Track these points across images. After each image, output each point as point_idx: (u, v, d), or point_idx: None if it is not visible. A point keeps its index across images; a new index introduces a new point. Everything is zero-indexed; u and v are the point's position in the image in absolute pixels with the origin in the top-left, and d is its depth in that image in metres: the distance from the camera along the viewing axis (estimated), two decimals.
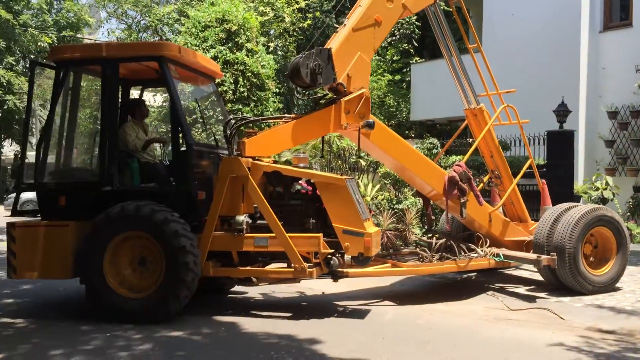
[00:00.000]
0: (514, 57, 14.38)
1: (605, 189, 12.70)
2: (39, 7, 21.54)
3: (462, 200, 7.46)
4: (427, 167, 7.51)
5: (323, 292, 7.63)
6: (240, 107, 14.93)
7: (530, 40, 14.74)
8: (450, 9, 8.54)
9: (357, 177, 14.10)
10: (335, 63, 6.61)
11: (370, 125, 6.68)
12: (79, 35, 20.14)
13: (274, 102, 16.20)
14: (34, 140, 26.40)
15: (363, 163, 14.43)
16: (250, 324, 6.04)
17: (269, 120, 7.05)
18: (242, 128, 7.26)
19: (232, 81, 14.73)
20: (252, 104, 15.32)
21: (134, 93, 7.95)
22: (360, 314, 6.54)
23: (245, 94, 15.09)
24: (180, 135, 6.32)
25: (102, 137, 6.30)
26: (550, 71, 14.24)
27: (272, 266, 6.81)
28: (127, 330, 5.74)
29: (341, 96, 6.70)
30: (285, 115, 7.05)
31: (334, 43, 6.82)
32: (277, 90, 16.76)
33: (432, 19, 8.07)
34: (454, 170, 7.48)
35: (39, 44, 21.12)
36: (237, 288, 7.72)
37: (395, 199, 12.67)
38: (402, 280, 8.46)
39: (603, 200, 12.40)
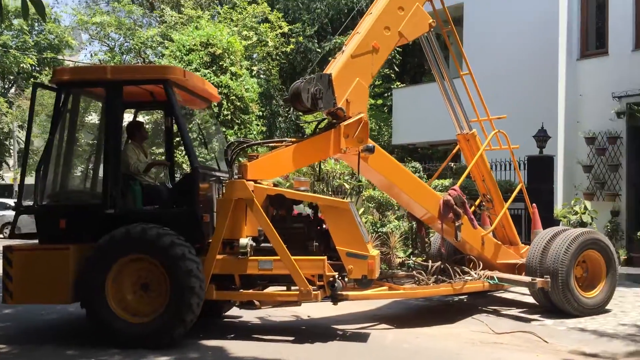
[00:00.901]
0: (493, 83, 14.67)
1: (584, 213, 12.97)
2: (19, 28, 21.31)
3: (456, 224, 7.58)
4: (423, 190, 7.63)
5: (309, 316, 7.63)
6: (223, 129, 14.97)
7: (510, 67, 15.09)
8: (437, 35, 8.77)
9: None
10: (334, 88, 6.73)
11: (371, 150, 6.79)
12: (59, 57, 20.00)
13: (257, 125, 16.30)
14: (10, 161, 25.81)
15: (347, 186, 14.52)
16: (239, 348, 6.01)
17: (269, 144, 7.12)
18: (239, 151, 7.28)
19: (216, 104, 14.79)
20: (235, 127, 15.39)
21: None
22: (357, 337, 6.57)
23: (229, 117, 15.17)
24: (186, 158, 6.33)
25: (105, 159, 6.28)
26: (529, 97, 14.56)
27: (270, 289, 6.81)
28: (114, 355, 5.69)
29: (341, 121, 6.80)
30: (286, 139, 7.12)
31: (333, 69, 6.94)
32: (261, 113, 16.87)
33: (425, 45, 8.27)
34: (449, 194, 7.61)
35: (21, 65, 20.84)
36: (232, 312, 7.67)
37: (379, 222, 12.77)
38: (389, 304, 8.52)
39: (582, 224, 12.66)
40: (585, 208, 13.00)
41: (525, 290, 8.28)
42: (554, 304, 7.57)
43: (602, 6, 14.61)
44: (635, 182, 13.47)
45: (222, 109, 14.88)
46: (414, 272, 7.75)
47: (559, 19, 14.51)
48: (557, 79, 14.45)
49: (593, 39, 14.83)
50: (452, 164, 14.84)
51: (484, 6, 16.10)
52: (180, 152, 13.38)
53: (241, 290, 6.42)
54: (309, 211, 7.14)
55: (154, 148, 14.79)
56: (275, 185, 7.21)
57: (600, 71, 14.15)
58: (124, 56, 18.39)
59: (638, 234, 13.06)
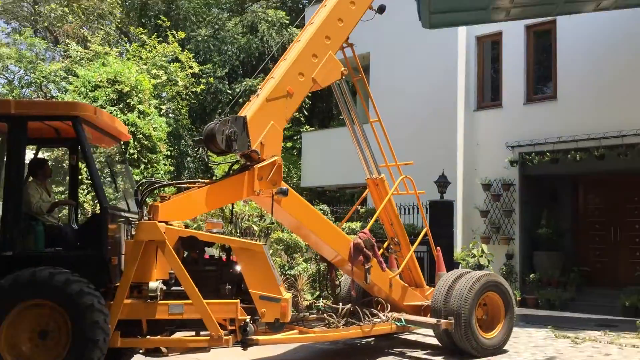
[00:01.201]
0: (398, 130, 15.24)
1: (482, 256, 13.69)
2: None
3: (366, 266, 7.76)
4: (334, 233, 7.75)
5: None
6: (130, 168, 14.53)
7: (413, 116, 15.81)
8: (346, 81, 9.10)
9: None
10: (249, 131, 6.78)
11: (284, 193, 6.86)
12: None
13: (165, 164, 15.97)
14: None
15: (255, 228, 14.47)
16: None
17: (181, 185, 7.01)
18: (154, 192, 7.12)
19: (122, 142, 14.36)
20: (142, 166, 14.99)
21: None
22: None
23: (136, 155, 14.76)
24: (95, 197, 6.10)
25: (4, 197, 5.91)
26: (432, 144, 15.28)
27: (178, 335, 6.59)
28: None
29: (255, 163, 6.85)
30: (199, 180, 7.04)
31: (248, 111, 7.01)
32: (169, 152, 16.56)
33: (337, 91, 8.56)
34: (359, 237, 7.80)
35: None
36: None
37: (287, 265, 12.80)
38: (296, 348, 8.52)
39: (479, 267, 13.32)
40: (483, 251, 13.72)
41: (430, 331, 8.55)
42: (455, 344, 7.85)
43: (496, 62, 15.76)
44: (527, 227, 14.37)
45: (129, 147, 14.47)
46: (325, 314, 7.80)
47: (457, 71, 15.49)
48: (456, 128, 15.31)
49: (489, 92, 15.91)
50: (360, 207, 15.20)
51: (388, 57, 16.88)
52: (82, 191, 12.81)
53: (148, 336, 6.17)
54: (215, 252, 7.06)
55: (53, 186, 14.07)
56: (185, 227, 7.07)
57: (495, 122, 15.17)
58: (24, 90, 17.55)
59: (530, 276, 13.88)
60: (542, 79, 15.09)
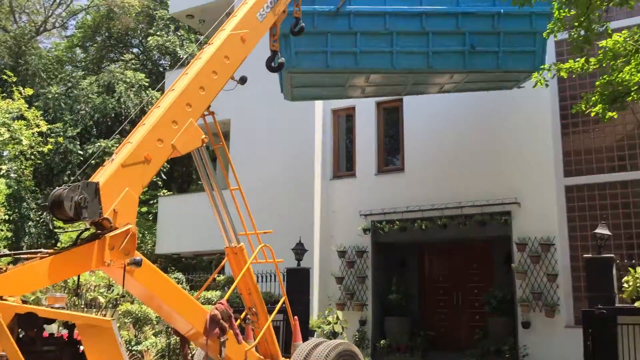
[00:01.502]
0: (258, 198, 15.39)
1: (337, 323, 13.93)
2: None
3: (222, 339, 7.52)
4: (189, 305, 7.46)
5: None
6: None
7: (272, 183, 16.02)
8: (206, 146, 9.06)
9: (94, 315, 13.18)
10: (101, 197, 6.45)
11: (138, 263, 6.53)
12: None
13: (2, 230, 14.62)
14: None
15: (102, 300, 13.62)
16: None
17: (20, 255, 6.41)
18: None
19: None
20: None
21: None
22: None
23: None
24: None
25: None
26: (290, 212, 15.52)
27: None
28: None
29: (106, 231, 6.48)
30: (42, 249, 6.49)
31: (101, 177, 6.67)
32: (7, 217, 15.20)
33: (196, 157, 8.46)
34: (216, 308, 7.57)
35: None
36: None
37: (134, 339, 12.13)
38: None
39: (334, 334, 13.51)
40: (338, 318, 13.96)
41: None
42: None
43: (350, 134, 16.62)
44: (379, 293, 14.91)
45: None
46: None
47: (315, 142, 16.09)
48: (312, 196, 15.73)
49: (344, 162, 16.66)
50: (217, 275, 14.89)
51: (248, 125, 17.14)
52: None
53: None
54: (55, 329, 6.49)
55: None
56: (23, 301, 6.44)
57: (349, 191, 15.83)
58: None
59: (381, 342, 14.30)
60: (391, 152, 16.13)
